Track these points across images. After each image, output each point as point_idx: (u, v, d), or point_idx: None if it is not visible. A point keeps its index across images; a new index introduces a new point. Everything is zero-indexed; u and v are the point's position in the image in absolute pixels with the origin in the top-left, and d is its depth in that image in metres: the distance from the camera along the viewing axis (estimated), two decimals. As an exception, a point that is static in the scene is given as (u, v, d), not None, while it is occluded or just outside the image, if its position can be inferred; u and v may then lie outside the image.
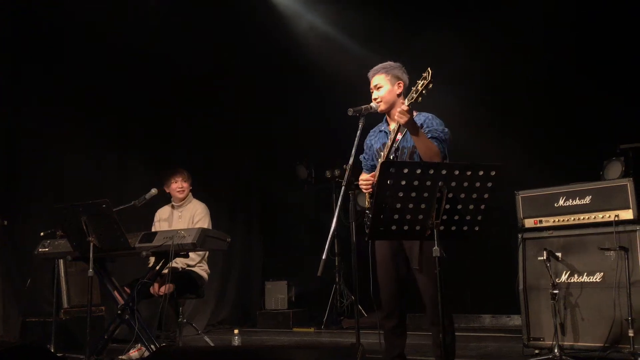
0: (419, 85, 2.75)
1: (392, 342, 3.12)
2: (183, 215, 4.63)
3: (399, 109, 2.83)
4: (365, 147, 3.31)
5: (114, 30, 5.58)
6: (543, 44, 5.09)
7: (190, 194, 4.71)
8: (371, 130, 3.26)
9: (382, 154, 3.11)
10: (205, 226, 4.44)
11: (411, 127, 2.88)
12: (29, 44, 5.28)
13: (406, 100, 2.84)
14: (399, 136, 3.01)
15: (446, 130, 3.07)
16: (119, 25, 5.56)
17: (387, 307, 3.11)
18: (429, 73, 2.71)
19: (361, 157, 3.33)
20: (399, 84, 3.16)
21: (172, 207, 4.73)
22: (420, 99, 2.76)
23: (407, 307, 3.16)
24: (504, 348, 4.43)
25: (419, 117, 3.11)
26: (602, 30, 4.96)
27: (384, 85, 3.14)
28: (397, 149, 3.09)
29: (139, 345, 3.98)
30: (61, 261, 4.82)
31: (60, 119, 5.38)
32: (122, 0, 5.34)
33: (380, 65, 3.21)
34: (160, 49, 5.90)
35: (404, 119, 2.83)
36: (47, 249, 4.09)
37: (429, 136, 2.98)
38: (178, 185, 4.63)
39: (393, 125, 3.18)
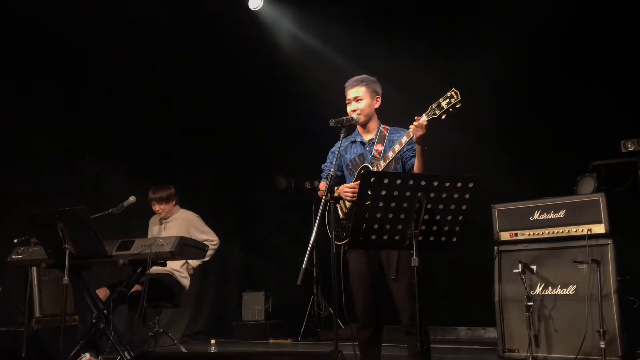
0: (444, 103, 2.78)
1: (367, 354, 3.12)
2: (168, 227, 4.68)
3: (416, 123, 2.85)
4: (330, 156, 3.32)
5: (93, 41, 5.56)
6: (522, 60, 5.20)
7: (176, 207, 4.80)
8: (339, 141, 3.15)
9: (371, 164, 3.13)
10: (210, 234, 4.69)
11: (423, 142, 2.91)
12: (6, 53, 5.22)
13: (425, 115, 2.84)
14: (398, 147, 3.03)
15: (425, 147, 3.12)
16: (98, 36, 5.54)
17: (362, 318, 3.12)
18: (456, 93, 2.75)
19: (323, 165, 3.32)
20: (377, 98, 3.22)
21: (159, 220, 4.78)
22: (444, 116, 2.79)
23: (382, 318, 3.17)
24: (479, 360, 4.48)
25: (399, 132, 3.15)
26: (578, 50, 5.10)
27: (364, 99, 3.18)
28: (377, 159, 3.12)
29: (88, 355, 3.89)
30: (34, 269, 4.72)
31: (35, 123, 5.30)
32: (100, 14, 5.32)
33: (357, 77, 3.24)
34: (140, 58, 5.88)
35: (420, 132, 2.85)
36: (20, 256, 4.02)
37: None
38: (156, 208, 4.76)
39: (369, 137, 3.22)
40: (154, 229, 4.81)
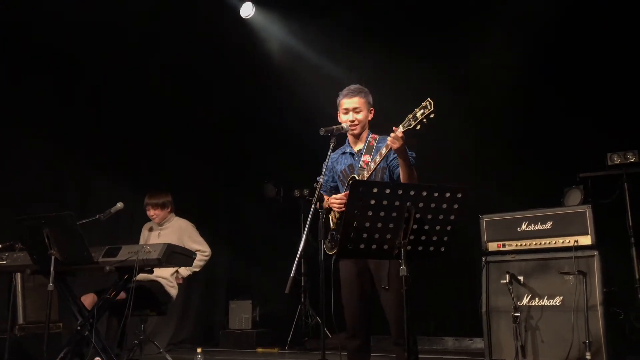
0: (418, 114, 2.74)
1: (355, 363, 3.11)
2: (162, 234, 4.64)
3: (392, 135, 2.82)
4: (324, 169, 3.29)
5: (83, 48, 5.54)
6: (511, 73, 5.26)
7: (171, 214, 4.78)
8: (332, 153, 3.19)
9: (357, 174, 3.14)
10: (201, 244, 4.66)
11: (402, 153, 2.89)
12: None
13: (401, 126, 2.81)
14: (378, 158, 3.02)
15: (414, 154, 3.13)
16: (88, 43, 5.52)
17: (352, 327, 3.11)
18: (430, 103, 2.70)
19: (320, 178, 3.32)
20: (371, 110, 3.24)
21: (152, 227, 4.75)
22: (419, 127, 2.74)
23: (371, 327, 3.17)
24: (466, 370, 4.48)
25: (385, 141, 3.15)
26: (566, 63, 5.16)
27: (362, 110, 3.19)
28: (363, 169, 3.13)
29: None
30: (18, 275, 4.67)
31: (22, 125, 5.25)
32: (92, 21, 5.30)
33: (356, 87, 3.24)
34: (132, 65, 5.87)
35: (397, 145, 2.82)
36: (4, 262, 3.97)
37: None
38: (150, 213, 4.73)
39: (358, 147, 3.23)
40: (145, 234, 4.77)
